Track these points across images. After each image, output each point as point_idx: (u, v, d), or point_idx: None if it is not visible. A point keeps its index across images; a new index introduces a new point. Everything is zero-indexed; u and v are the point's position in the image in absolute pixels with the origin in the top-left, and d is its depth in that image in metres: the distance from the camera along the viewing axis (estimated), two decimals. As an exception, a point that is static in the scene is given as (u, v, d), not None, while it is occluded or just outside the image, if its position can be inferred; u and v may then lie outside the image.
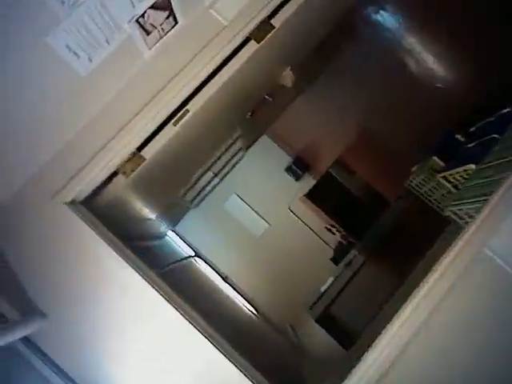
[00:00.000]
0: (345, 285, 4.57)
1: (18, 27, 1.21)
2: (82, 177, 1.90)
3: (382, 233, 4.80)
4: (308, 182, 5.63)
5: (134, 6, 1.51)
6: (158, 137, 2.08)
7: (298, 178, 5.79)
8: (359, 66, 4.85)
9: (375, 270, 4.63)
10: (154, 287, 1.84)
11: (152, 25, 1.71)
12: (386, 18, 4.61)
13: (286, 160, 5.88)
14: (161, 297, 1.82)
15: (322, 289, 4.68)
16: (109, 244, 1.88)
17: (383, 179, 5.34)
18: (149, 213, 3.54)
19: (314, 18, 2.70)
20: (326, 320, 4.36)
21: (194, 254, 5.53)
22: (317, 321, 4.37)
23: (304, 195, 5.33)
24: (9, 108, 1.47)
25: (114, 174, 2.08)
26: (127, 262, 1.85)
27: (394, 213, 4.90)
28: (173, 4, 1.71)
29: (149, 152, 2.10)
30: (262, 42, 2.10)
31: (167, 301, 1.82)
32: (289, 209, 5.81)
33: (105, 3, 1.37)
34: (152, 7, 1.61)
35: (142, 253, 2.06)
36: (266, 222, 5.83)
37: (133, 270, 1.84)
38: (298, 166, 5.77)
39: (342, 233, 5.45)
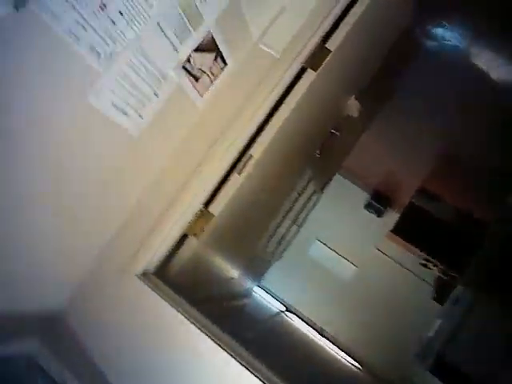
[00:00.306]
0: (456, 326, 3.99)
1: (51, 89, 1.10)
2: (149, 246, 1.77)
3: (488, 260, 4.21)
4: (391, 217, 5.23)
5: (176, 51, 1.39)
6: (223, 189, 1.92)
7: (379, 213, 5.42)
8: (428, 85, 4.51)
9: (489, 306, 4.02)
10: (234, 357, 1.60)
11: (200, 70, 1.58)
12: (448, 31, 4.30)
13: (364, 196, 5.55)
14: (243, 367, 1.58)
15: (431, 333, 4.13)
16: (187, 317, 1.69)
17: (475, 201, 4.79)
18: (230, 271, 3.36)
19: (371, 35, 2.50)
20: (441, 368, 3.80)
21: (284, 308, 5.26)
22: (430, 370, 3.82)
23: (390, 231, 4.89)
24: (64, 183, 1.36)
25: (184, 236, 1.93)
26: (207, 334, 1.64)
27: (499, 235, 4.31)
28: (219, 44, 1.59)
29: (217, 207, 1.93)
30: (320, 69, 1.91)
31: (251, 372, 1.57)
32: (376, 248, 5.39)
33: (145, 50, 1.26)
34: (197, 50, 1.49)
35: (228, 315, 1.85)
36: (353, 264, 5.45)
37: (214, 343, 1.62)
38: (378, 201, 5.41)
39: (440, 267, 4.89)
